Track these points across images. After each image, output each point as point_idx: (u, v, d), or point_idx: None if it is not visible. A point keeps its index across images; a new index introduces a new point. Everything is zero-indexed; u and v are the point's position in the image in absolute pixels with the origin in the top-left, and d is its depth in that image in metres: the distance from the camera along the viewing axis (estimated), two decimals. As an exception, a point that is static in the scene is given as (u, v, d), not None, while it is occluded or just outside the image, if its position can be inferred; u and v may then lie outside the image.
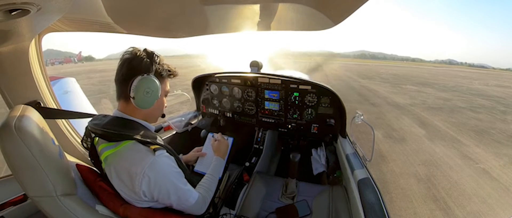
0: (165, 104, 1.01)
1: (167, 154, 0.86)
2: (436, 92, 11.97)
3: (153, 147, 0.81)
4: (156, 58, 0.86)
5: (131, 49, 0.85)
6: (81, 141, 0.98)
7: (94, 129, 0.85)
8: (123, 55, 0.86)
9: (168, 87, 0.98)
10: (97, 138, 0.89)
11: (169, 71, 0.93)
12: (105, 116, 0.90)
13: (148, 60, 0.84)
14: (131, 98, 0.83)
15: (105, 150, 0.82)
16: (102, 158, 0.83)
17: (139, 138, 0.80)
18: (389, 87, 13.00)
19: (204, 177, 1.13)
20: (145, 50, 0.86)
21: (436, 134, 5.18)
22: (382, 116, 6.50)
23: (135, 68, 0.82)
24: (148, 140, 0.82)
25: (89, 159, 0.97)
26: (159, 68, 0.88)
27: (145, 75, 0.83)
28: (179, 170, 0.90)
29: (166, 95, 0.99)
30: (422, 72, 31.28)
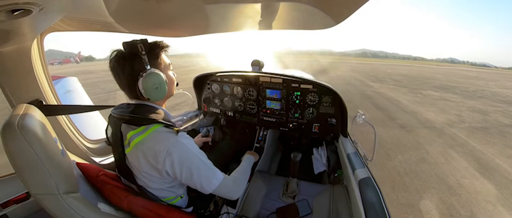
0: (174, 75, 1.01)
1: (188, 135, 0.90)
2: (463, 100, 10.28)
3: (176, 129, 0.85)
4: (140, 48, 0.82)
5: (114, 55, 0.85)
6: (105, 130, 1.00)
7: (121, 115, 0.87)
8: (110, 62, 0.85)
9: (167, 60, 0.95)
10: (122, 125, 0.88)
11: (158, 46, 0.90)
12: (129, 104, 0.93)
13: (136, 57, 0.83)
14: (148, 99, 0.89)
15: (134, 137, 0.83)
16: (132, 144, 0.84)
17: (164, 122, 0.85)
18: (409, 94, 11.12)
19: (239, 166, 1.24)
20: (127, 47, 0.83)
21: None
22: (424, 153, 4.28)
23: (130, 73, 0.84)
24: (171, 124, 0.86)
25: (107, 144, 1.00)
26: (150, 55, 0.85)
27: (144, 74, 0.83)
28: (201, 151, 0.92)
29: (171, 70, 0.99)
30: (431, 72, 30.20)
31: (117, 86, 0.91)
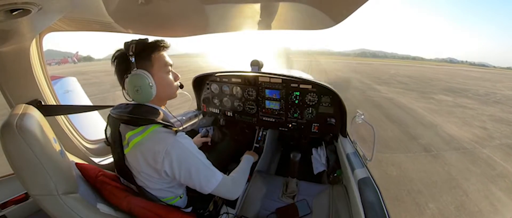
0: (175, 76, 0.99)
1: (187, 135, 0.90)
2: (480, 106, 9.53)
3: (174, 129, 0.84)
4: (131, 48, 0.82)
5: (114, 54, 0.88)
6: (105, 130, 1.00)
7: (120, 115, 0.87)
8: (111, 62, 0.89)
9: (165, 59, 0.91)
10: (121, 125, 0.87)
11: (149, 47, 0.87)
12: (127, 104, 0.93)
13: (126, 58, 0.84)
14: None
15: (133, 137, 0.83)
16: (130, 144, 0.84)
17: (162, 122, 0.84)
18: (421, 99, 10.21)
19: (238, 166, 1.24)
20: (124, 45, 0.85)
21: None
22: (462, 195, 3.34)
23: (119, 74, 0.87)
24: (169, 124, 0.86)
25: (106, 144, 0.99)
26: (139, 56, 0.84)
27: (128, 75, 0.83)
28: (200, 151, 0.92)
29: (167, 71, 0.94)
30: (433, 72, 29.66)
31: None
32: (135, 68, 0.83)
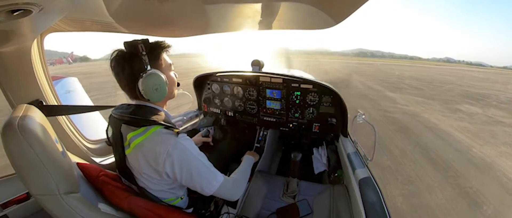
0: (175, 75, 1.01)
1: (188, 137, 0.90)
2: None
3: (176, 130, 0.84)
4: (140, 49, 0.82)
5: (115, 54, 0.85)
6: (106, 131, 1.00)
7: (121, 116, 0.87)
8: (111, 62, 0.86)
9: (168, 60, 0.95)
10: (122, 126, 0.88)
11: (159, 47, 0.90)
12: (129, 105, 0.93)
13: (136, 57, 0.83)
14: (148, 100, 0.88)
15: (134, 138, 0.83)
16: (131, 145, 0.84)
17: (164, 123, 0.84)
18: (447, 113, 8.27)
19: (238, 167, 1.23)
20: (128, 47, 0.84)
21: None
22: None
23: (130, 74, 0.84)
24: (171, 125, 0.86)
25: (108, 144, 0.99)
26: (150, 55, 0.85)
27: (144, 75, 0.82)
28: (201, 152, 0.92)
29: (171, 71, 0.98)
30: (439, 73, 28.60)
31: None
32: (150, 68, 0.84)
